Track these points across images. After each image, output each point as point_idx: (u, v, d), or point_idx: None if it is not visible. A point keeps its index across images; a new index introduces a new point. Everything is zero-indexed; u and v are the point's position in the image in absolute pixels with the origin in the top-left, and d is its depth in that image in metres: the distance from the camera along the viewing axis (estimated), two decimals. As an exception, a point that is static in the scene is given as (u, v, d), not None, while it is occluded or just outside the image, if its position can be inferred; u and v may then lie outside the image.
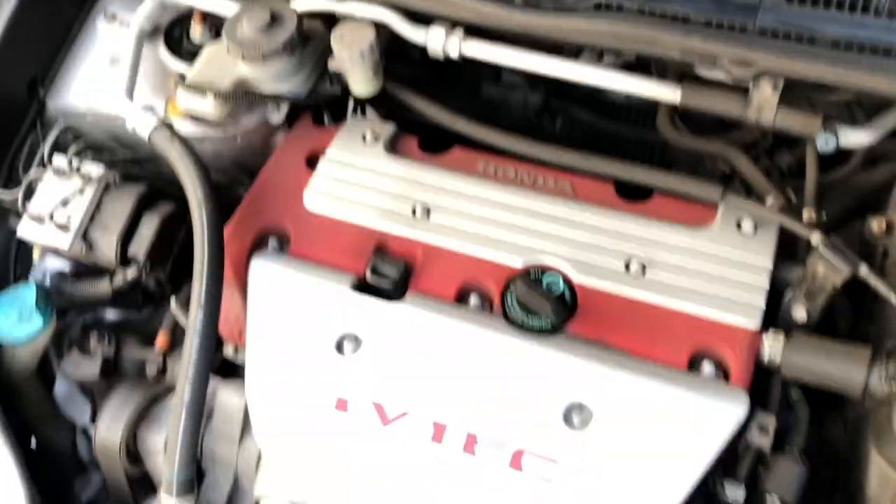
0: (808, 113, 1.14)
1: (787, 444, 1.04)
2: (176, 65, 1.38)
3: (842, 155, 1.30)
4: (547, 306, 1.07)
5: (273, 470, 1.12)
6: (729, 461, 1.04)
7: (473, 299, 1.12)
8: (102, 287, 1.30)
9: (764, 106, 1.13)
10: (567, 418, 1.01)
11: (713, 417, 0.98)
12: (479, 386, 1.04)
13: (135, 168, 1.37)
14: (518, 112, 1.57)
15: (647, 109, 1.55)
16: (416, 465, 1.03)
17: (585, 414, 1.01)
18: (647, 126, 1.55)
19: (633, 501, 0.96)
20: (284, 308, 1.13)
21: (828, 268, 1.00)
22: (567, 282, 1.10)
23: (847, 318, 1.13)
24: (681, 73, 1.26)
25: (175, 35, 1.41)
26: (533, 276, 1.11)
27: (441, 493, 1.02)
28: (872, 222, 1.16)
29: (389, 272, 1.13)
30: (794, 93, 1.18)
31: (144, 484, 1.24)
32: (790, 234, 1.14)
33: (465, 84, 1.62)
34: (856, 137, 1.13)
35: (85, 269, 1.37)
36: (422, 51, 1.51)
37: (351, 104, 1.40)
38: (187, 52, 1.40)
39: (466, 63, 1.59)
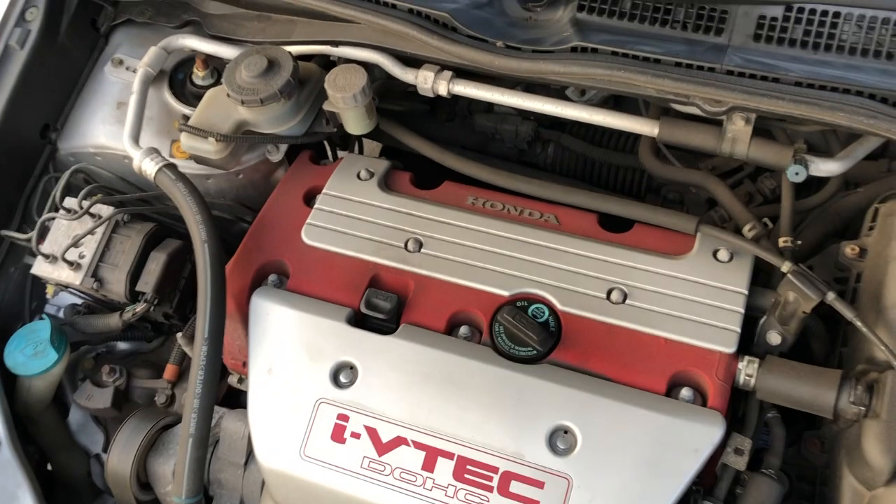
0: (780, 145, 1.19)
1: (764, 464, 1.08)
2: (179, 108, 1.44)
3: (821, 180, 1.35)
4: (533, 336, 1.12)
5: (275, 492, 1.17)
6: (708, 482, 1.09)
7: (463, 329, 1.17)
8: (113, 321, 1.37)
9: (737, 139, 1.19)
10: (551, 442, 1.06)
11: (691, 440, 1.03)
12: (468, 414, 1.10)
13: (143, 207, 1.43)
14: (510, 141, 1.63)
15: (634, 136, 1.61)
16: (405, 496, 1.08)
17: (570, 438, 1.06)
18: (635, 152, 1.61)
19: (616, 521, 1.01)
20: (283, 341, 1.18)
21: (798, 294, 1.05)
22: (552, 310, 1.16)
23: (822, 340, 1.18)
24: (661, 108, 1.32)
25: (179, 79, 1.48)
26: (519, 306, 1.16)
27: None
28: (845, 247, 1.22)
29: (383, 305, 1.18)
30: (769, 124, 1.24)
31: (154, 509, 1.31)
32: (764, 267, 1.20)
33: (459, 115, 1.68)
34: (826, 168, 1.18)
35: (96, 304, 1.44)
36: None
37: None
38: (191, 94, 1.46)
39: (457, 98, 1.67)
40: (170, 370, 1.38)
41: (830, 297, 1.03)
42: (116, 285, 1.35)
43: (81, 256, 1.36)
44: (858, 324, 1.01)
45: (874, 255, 1.15)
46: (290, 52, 1.31)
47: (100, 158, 1.46)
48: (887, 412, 0.99)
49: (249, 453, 1.26)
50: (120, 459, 1.24)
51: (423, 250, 1.23)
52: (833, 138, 1.30)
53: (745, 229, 1.21)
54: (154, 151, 1.28)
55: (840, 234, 1.35)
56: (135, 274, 1.36)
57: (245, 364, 1.28)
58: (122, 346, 1.50)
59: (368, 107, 1.31)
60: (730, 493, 1.08)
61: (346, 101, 1.28)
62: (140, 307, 1.34)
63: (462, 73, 1.32)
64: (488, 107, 1.67)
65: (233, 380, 1.34)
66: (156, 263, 1.36)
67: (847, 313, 1.03)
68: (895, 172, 1.36)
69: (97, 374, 1.40)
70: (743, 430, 1.08)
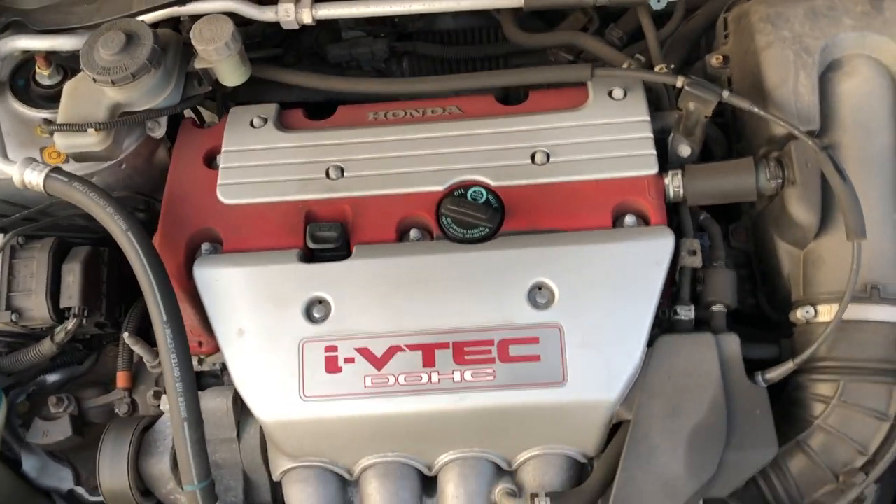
0: (636, -19, 1.29)
1: (712, 259, 1.21)
2: (34, 113, 1.35)
3: (665, 17, 1.47)
4: (480, 215, 1.17)
5: (285, 444, 1.17)
6: (666, 295, 1.19)
7: (414, 233, 1.20)
8: (45, 348, 1.29)
9: (599, -16, 1.28)
10: (532, 300, 1.13)
11: (650, 255, 1.13)
12: (448, 304, 1.14)
13: (35, 223, 1.33)
14: (367, 63, 1.65)
15: (481, 29, 1.67)
16: (417, 396, 1.11)
17: (547, 292, 1.13)
18: (490, 43, 1.67)
19: (612, 343, 1.10)
20: (243, 300, 1.17)
21: (697, 102, 1.16)
22: (488, 189, 1.21)
23: (720, 143, 1.30)
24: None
25: (20, 85, 1.38)
26: (458, 194, 1.20)
27: (451, 415, 1.12)
28: (710, 59, 1.35)
29: (329, 235, 1.19)
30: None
31: (160, 513, 1.27)
32: (652, 93, 1.30)
33: (308, 55, 1.67)
34: (679, -10, 1.30)
35: (17, 340, 1.34)
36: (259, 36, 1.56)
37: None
38: (39, 97, 1.37)
39: (306, 34, 1.66)
40: (122, 377, 1.32)
41: (726, 94, 1.15)
42: (38, 310, 1.27)
43: (-13, 294, 1.26)
44: (755, 109, 1.13)
45: (739, 55, 1.28)
46: (143, 21, 1.25)
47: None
48: (800, 175, 1.12)
49: (239, 424, 1.24)
50: (113, 474, 1.19)
51: (346, 174, 1.24)
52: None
53: (625, 66, 1.31)
54: (32, 160, 1.20)
55: (692, 58, 1.49)
56: (53, 293, 1.27)
57: (201, 344, 1.25)
58: (52, 378, 1.41)
59: (241, 53, 1.28)
60: (692, 295, 1.19)
61: (218, 51, 1.24)
62: (71, 323, 1.27)
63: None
64: (336, 36, 1.67)
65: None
66: (73, 275, 1.28)
67: (743, 104, 1.15)
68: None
69: (43, 410, 1.31)
70: (685, 235, 1.19)
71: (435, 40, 1.69)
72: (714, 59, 1.34)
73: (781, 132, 1.16)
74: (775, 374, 1.11)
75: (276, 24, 1.35)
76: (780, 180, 1.14)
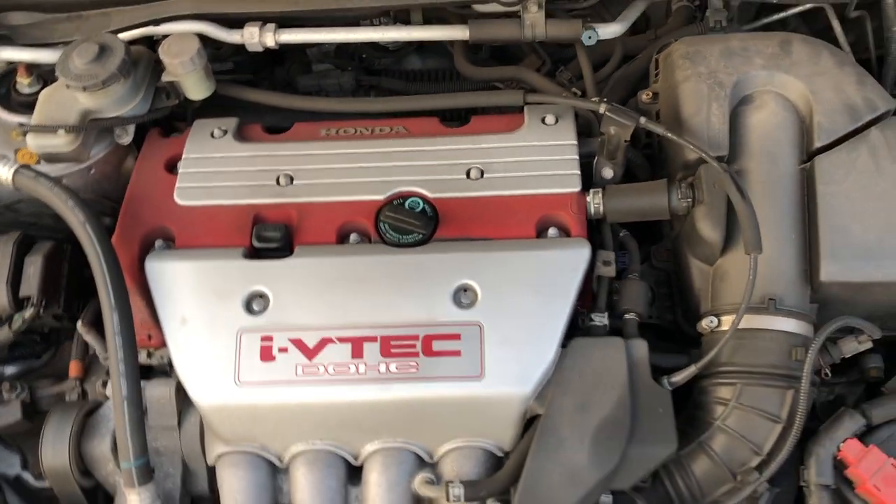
0: (570, 20, 1.42)
1: (628, 272, 1.29)
2: (12, 118, 1.45)
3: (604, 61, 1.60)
4: (415, 222, 1.26)
5: (220, 429, 1.23)
6: (587, 303, 1.28)
7: (353, 237, 1.29)
8: (2, 335, 1.36)
9: (535, 23, 1.40)
10: (457, 300, 1.21)
11: (568, 263, 1.22)
12: (378, 301, 1.22)
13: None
14: (335, 94, 1.76)
15: (445, 71, 1.79)
16: (345, 385, 1.19)
17: (471, 293, 1.21)
18: (447, 81, 1.79)
19: (528, 342, 1.18)
20: (188, 292, 1.25)
21: (617, 126, 1.27)
22: (425, 200, 1.30)
23: (643, 168, 1.41)
24: (462, 16, 1.51)
25: (2, 93, 1.48)
26: (396, 203, 1.30)
27: (376, 405, 1.19)
28: (641, 95, 1.46)
29: (273, 234, 1.28)
30: (555, 6, 1.45)
31: (97, 495, 1.31)
32: (585, 124, 1.41)
33: (282, 85, 1.79)
34: (610, 30, 1.42)
35: (-24, 328, 1.41)
36: (235, 62, 1.68)
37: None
38: (18, 104, 1.47)
39: (278, 63, 1.78)
40: (74, 367, 1.38)
41: (642, 120, 1.26)
42: (-2, 297, 1.34)
43: (-49, 281, 1.34)
44: (669, 134, 1.24)
45: (665, 90, 1.39)
46: (117, 36, 1.37)
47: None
48: (707, 195, 1.22)
49: (181, 413, 1.30)
50: (55, 452, 1.24)
51: (295, 182, 1.34)
52: (605, 11, 1.55)
53: (561, 97, 1.42)
54: (3, 157, 1.29)
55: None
56: (14, 283, 1.35)
57: (150, 337, 1.32)
58: (10, 369, 1.46)
59: (206, 68, 1.39)
60: (607, 304, 1.27)
61: (184, 65, 1.35)
62: (28, 312, 1.34)
63: (284, 24, 1.44)
64: (306, 68, 1.79)
65: (141, 357, 1.36)
66: (34, 267, 1.36)
67: (657, 129, 1.25)
68: (660, 38, 1.63)
69: (-4, 395, 1.38)
70: (604, 248, 1.28)
71: (401, 75, 1.81)
72: (644, 96, 1.46)
73: (695, 158, 1.26)
74: (680, 377, 1.19)
75: (250, 54, 1.47)
76: (689, 200, 1.24)
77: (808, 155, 1.27)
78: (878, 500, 1.12)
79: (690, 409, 1.24)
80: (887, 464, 1.12)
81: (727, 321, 1.21)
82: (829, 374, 1.20)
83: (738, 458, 1.17)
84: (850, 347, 1.19)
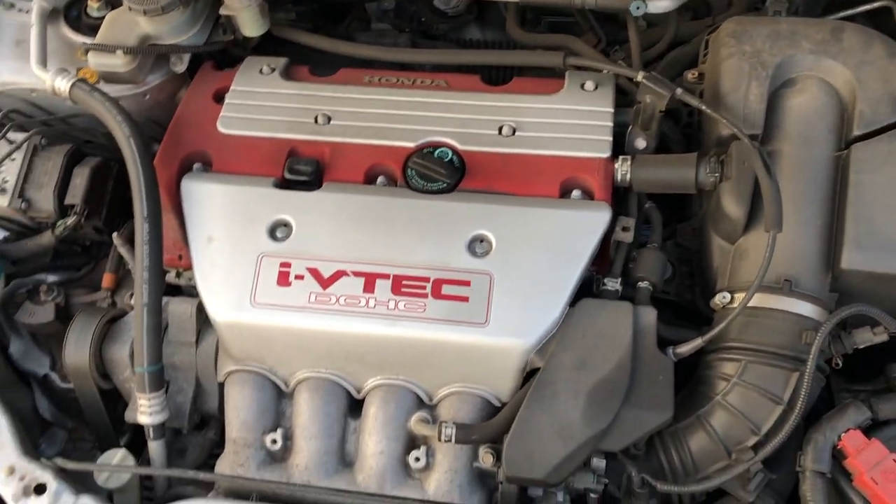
0: (622, -10, 1.42)
1: (648, 241, 1.29)
2: (79, 38, 1.53)
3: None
4: (441, 171, 1.28)
5: (232, 346, 1.28)
6: (604, 269, 1.28)
7: (380, 180, 1.32)
8: (45, 239, 1.44)
9: (582, -10, 1.40)
10: (471, 249, 1.23)
11: (586, 225, 1.23)
12: (396, 241, 1.25)
13: (58, 126, 1.50)
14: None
15: (499, 43, 1.80)
16: (354, 318, 1.22)
17: (486, 244, 1.23)
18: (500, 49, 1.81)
19: (536, 296, 1.19)
20: (219, 212, 1.30)
21: (653, 95, 1.26)
22: (454, 151, 1.33)
23: (679, 142, 1.40)
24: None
25: (73, 15, 1.56)
26: (426, 152, 1.32)
27: (381, 340, 1.21)
28: (687, 74, 1.45)
29: (304, 169, 1.32)
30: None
31: (116, 398, 1.38)
32: (627, 96, 1.41)
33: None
34: (662, 4, 1.41)
35: (24, 231, 1.50)
36: (297, 13, 1.73)
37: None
38: (87, 26, 1.55)
39: (338, 20, 1.82)
40: (107, 278, 1.45)
41: (679, 91, 1.25)
42: (44, 202, 1.42)
43: (5, 181, 1.42)
44: (703, 107, 1.23)
45: (710, 68, 1.38)
46: (181, -35, 1.43)
47: (9, 91, 1.52)
48: (735, 171, 1.21)
49: (199, 331, 1.35)
50: (77, 351, 1.31)
51: (332, 122, 1.38)
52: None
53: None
54: (64, 70, 1.36)
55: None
56: (61, 190, 1.43)
57: (181, 257, 1.38)
58: (51, 278, 1.55)
59: (262, 6, 1.45)
60: (623, 271, 1.27)
61: (241, 1, 1.41)
62: (71, 220, 1.42)
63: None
64: (365, 26, 1.83)
65: (170, 276, 1.42)
66: (81, 178, 1.44)
67: (693, 101, 1.25)
68: (718, 24, 1.61)
69: (35, 297, 1.45)
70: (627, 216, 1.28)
71: (457, 46, 1.83)
72: (690, 74, 1.44)
73: (728, 134, 1.25)
74: (685, 348, 1.18)
75: (312, 6, 1.51)
76: (717, 175, 1.23)
77: (846, 143, 1.24)
78: (873, 494, 1.09)
79: (693, 384, 1.23)
80: (888, 458, 1.09)
81: (740, 298, 1.19)
82: (840, 364, 1.17)
83: (736, 435, 1.16)
84: (864, 338, 1.16)
